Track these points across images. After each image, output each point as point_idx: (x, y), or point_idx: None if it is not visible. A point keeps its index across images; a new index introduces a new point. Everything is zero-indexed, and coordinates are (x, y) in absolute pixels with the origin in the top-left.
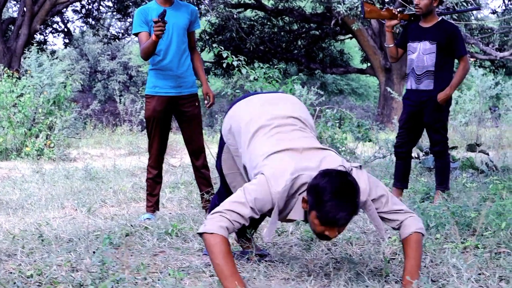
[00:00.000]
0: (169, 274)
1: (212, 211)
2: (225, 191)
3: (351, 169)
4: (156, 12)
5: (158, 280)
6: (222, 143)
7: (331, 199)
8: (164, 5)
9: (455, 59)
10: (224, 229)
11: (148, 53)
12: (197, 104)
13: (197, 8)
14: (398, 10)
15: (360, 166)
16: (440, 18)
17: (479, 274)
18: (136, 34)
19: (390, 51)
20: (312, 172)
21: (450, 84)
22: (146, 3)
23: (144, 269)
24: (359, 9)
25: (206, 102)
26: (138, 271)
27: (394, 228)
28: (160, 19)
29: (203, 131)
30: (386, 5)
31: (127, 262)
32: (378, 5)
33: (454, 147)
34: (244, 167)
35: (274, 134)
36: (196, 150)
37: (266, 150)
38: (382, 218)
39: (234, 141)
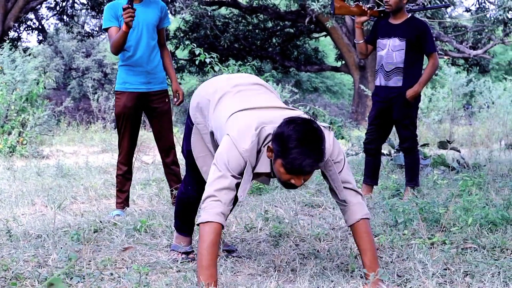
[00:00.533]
0: (134, 269)
1: (203, 198)
2: (190, 177)
3: (315, 118)
4: None
5: (124, 275)
6: (189, 124)
7: (297, 146)
8: (134, 1)
9: (424, 56)
10: (220, 215)
11: (118, 46)
12: (167, 100)
13: (166, 5)
14: (368, 6)
15: (329, 127)
16: (409, 15)
17: (445, 269)
18: (106, 29)
19: (360, 48)
20: (276, 124)
21: (419, 81)
22: None
23: (110, 264)
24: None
25: (175, 99)
26: (104, 267)
27: (337, 201)
28: (129, 5)
29: (175, 128)
30: (356, 1)
31: (94, 258)
32: (349, 1)
33: (425, 144)
34: (212, 134)
35: (238, 97)
36: (166, 147)
37: (230, 110)
38: (331, 188)
39: (202, 116)
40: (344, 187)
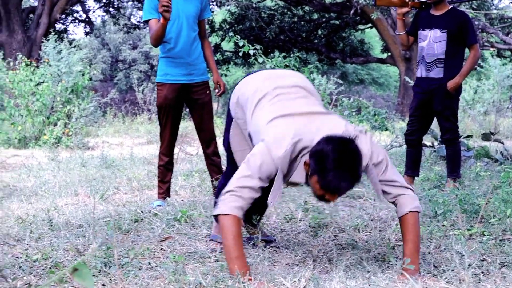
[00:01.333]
0: (167, 258)
1: (223, 191)
2: (232, 171)
3: (356, 135)
4: None
5: (161, 264)
6: (229, 119)
7: (334, 168)
8: None
9: (466, 48)
10: (238, 208)
11: (157, 38)
12: (208, 91)
13: None
14: None
15: (365, 131)
16: (451, 6)
17: (482, 260)
18: (147, 21)
19: (401, 39)
20: (314, 136)
21: (460, 72)
22: None
23: (149, 254)
24: None
25: (216, 90)
26: (143, 256)
27: (388, 201)
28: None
29: (217, 119)
30: None
31: (133, 247)
32: None
33: (469, 136)
34: (250, 136)
35: (277, 102)
36: (207, 138)
37: (268, 116)
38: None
39: (242, 113)
40: (393, 186)
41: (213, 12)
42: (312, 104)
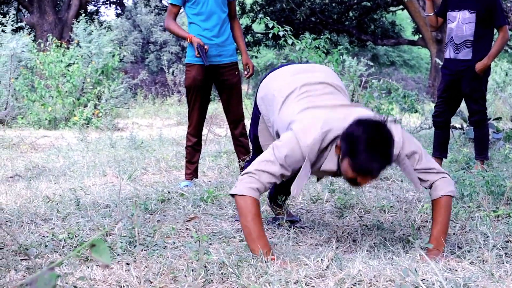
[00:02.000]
0: (192, 238)
1: (243, 172)
2: None
3: (386, 121)
4: None
5: (185, 244)
6: (257, 112)
7: (366, 149)
8: None
9: (495, 29)
10: (255, 190)
11: (171, 34)
12: (237, 72)
13: None
14: None
15: (395, 120)
16: None
17: (507, 241)
18: (172, 3)
19: (430, 20)
20: (343, 124)
21: (488, 54)
22: None
23: (174, 233)
24: None
25: (245, 72)
26: (168, 236)
27: (425, 188)
28: (200, 53)
29: (246, 100)
30: None
31: (159, 227)
32: None
33: (498, 118)
34: (277, 134)
35: (304, 97)
36: (235, 119)
37: (296, 110)
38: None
39: (266, 110)
40: (429, 173)
41: None
42: (339, 99)
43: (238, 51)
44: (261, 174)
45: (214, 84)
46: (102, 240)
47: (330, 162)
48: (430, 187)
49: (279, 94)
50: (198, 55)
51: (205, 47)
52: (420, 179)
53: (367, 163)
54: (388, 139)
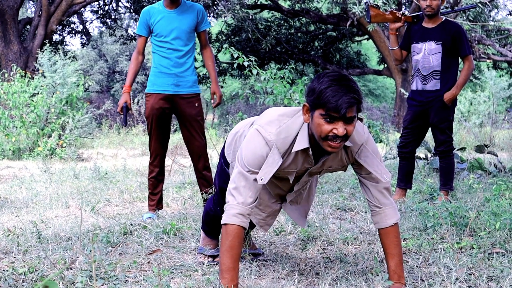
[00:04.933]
0: (154, 272)
1: (226, 199)
2: (221, 200)
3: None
4: (160, 15)
5: (146, 278)
6: (222, 164)
7: (331, 85)
8: (170, 7)
9: (459, 59)
10: (237, 216)
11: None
12: (196, 105)
13: (208, 8)
14: (401, 13)
15: (361, 119)
16: (444, 18)
17: (470, 274)
18: (138, 35)
19: (395, 54)
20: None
21: (456, 84)
22: None
23: (136, 267)
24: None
25: (212, 101)
26: (130, 269)
27: (370, 205)
28: (123, 111)
29: (211, 130)
30: (390, 9)
31: (120, 260)
32: (387, 6)
33: (462, 148)
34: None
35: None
36: (195, 152)
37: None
38: (366, 189)
39: (235, 153)
40: (383, 194)
41: (210, 23)
42: None
43: (206, 80)
44: (236, 191)
45: (175, 115)
46: (54, 282)
47: (300, 141)
48: (376, 210)
49: (246, 127)
50: (121, 113)
51: (130, 110)
52: (372, 195)
53: (336, 97)
54: (351, 79)
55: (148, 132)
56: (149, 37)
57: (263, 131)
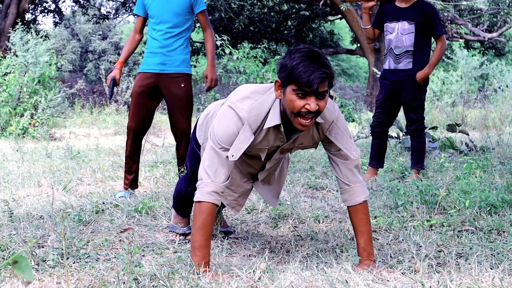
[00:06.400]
0: (125, 250)
1: (199, 176)
2: (192, 180)
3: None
4: None
5: (117, 256)
6: (194, 146)
7: (303, 60)
8: None
9: (432, 39)
10: (211, 194)
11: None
12: (182, 85)
13: None
14: None
15: (332, 97)
16: None
17: (439, 251)
18: (135, 15)
19: (367, 33)
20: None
21: (428, 64)
22: None
23: (108, 245)
24: None
25: (204, 84)
26: (101, 247)
27: (339, 183)
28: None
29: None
30: None
31: (92, 239)
32: None
33: (434, 127)
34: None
35: None
36: (177, 132)
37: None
38: (335, 166)
39: (206, 133)
40: (352, 171)
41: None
42: None
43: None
44: (211, 172)
45: (162, 94)
46: (24, 257)
47: (272, 117)
48: (345, 187)
49: (217, 107)
50: (109, 86)
51: (117, 85)
52: (341, 173)
53: (308, 72)
54: (322, 54)
55: (129, 109)
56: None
57: (236, 108)
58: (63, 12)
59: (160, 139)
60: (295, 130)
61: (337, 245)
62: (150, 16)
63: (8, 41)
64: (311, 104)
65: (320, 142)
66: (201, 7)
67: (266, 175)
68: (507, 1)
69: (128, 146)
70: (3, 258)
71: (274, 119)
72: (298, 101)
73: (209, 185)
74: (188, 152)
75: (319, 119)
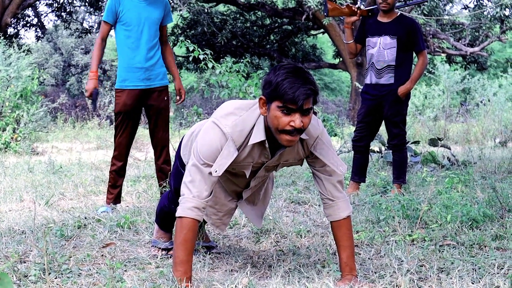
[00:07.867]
0: (108, 265)
1: (181, 192)
2: (175, 197)
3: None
4: (130, 4)
5: (99, 271)
6: (178, 165)
7: (287, 77)
8: None
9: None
10: (192, 209)
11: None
12: (166, 98)
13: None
14: (357, 6)
15: (316, 113)
16: (399, 13)
17: (421, 266)
18: (104, 21)
19: (349, 47)
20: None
21: (410, 78)
22: None
23: (90, 260)
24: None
25: (178, 98)
26: (83, 263)
27: (322, 198)
28: (93, 97)
29: (171, 124)
30: (347, 2)
31: (74, 254)
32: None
33: (416, 141)
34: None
35: None
36: (158, 144)
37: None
38: (319, 182)
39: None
40: (336, 187)
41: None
42: None
43: (170, 74)
44: (193, 188)
45: (144, 108)
46: (6, 273)
47: (257, 134)
48: (328, 202)
49: (203, 126)
50: (91, 98)
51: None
52: (325, 188)
53: (293, 89)
54: (306, 71)
55: (116, 126)
56: (113, 27)
57: (219, 123)
58: (46, 26)
59: (143, 153)
60: (280, 146)
61: (319, 260)
62: (125, 23)
63: None
64: (296, 121)
65: (305, 158)
66: (170, 20)
67: (251, 194)
68: (489, 16)
69: (115, 161)
70: None
71: (258, 135)
72: (283, 118)
73: (191, 200)
74: (172, 171)
75: (303, 136)
